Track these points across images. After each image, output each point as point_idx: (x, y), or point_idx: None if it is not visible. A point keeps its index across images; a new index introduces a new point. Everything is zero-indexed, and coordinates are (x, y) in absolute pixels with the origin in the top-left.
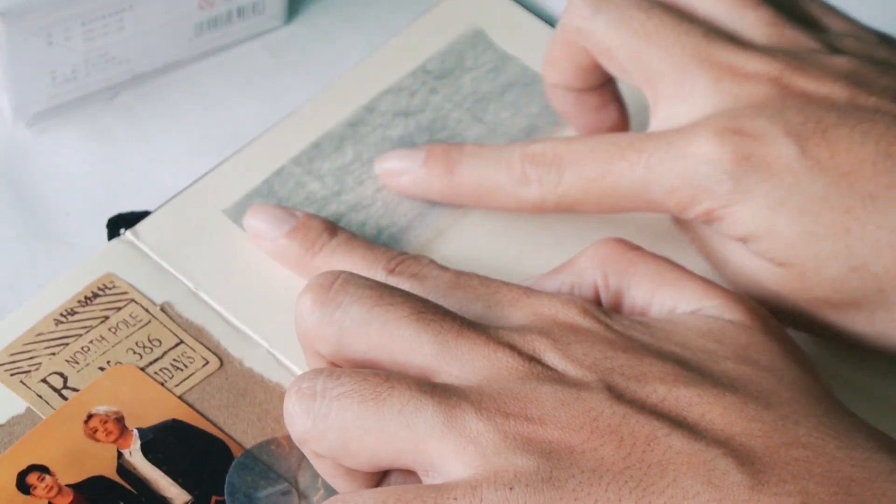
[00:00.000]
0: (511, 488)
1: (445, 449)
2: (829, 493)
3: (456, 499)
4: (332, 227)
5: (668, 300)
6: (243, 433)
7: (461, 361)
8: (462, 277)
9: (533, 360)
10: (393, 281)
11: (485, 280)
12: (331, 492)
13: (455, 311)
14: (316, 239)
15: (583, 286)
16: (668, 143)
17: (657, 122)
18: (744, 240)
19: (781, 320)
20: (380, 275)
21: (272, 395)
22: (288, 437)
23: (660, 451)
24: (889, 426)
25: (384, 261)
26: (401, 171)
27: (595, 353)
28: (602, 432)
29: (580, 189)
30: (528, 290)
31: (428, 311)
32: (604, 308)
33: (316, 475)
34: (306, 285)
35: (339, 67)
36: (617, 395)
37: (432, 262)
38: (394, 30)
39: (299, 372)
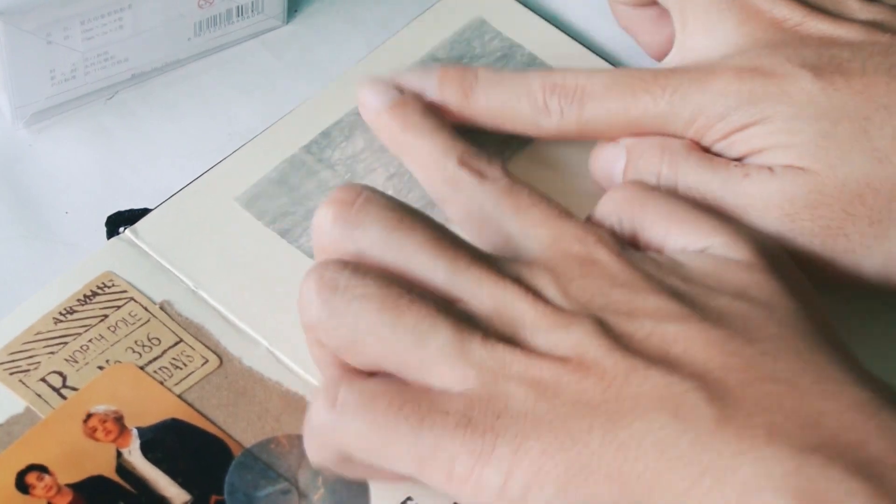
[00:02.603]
0: (498, 416)
1: (449, 370)
2: (796, 426)
3: (448, 413)
4: (427, 110)
5: (679, 238)
6: (243, 432)
7: (472, 290)
8: (515, 186)
9: (535, 294)
10: (457, 173)
11: (532, 193)
12: (332, 491)
13: (492, 223)
14: (408, 117)
15: (605, 228)
16: (690, 79)
17: (679, 50)
18: (760, 153)
19: (808, 263)
20: (451, 162)
21: (272, 393)
22: (288, 437)
23: (636, 385)
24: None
25: (460, 151)
26: (417, 91)
27: (593, 288)
28: (587, 366)
29: (603, 121)
30: (563, 213)
31: (445, 238)
32: (622, 242)
33: (316, 474)
34: (328, 197)
35: (339, 67)
36: (606, 329)
37: (501, 165)
38: (394, 29)
39: (299, 371)
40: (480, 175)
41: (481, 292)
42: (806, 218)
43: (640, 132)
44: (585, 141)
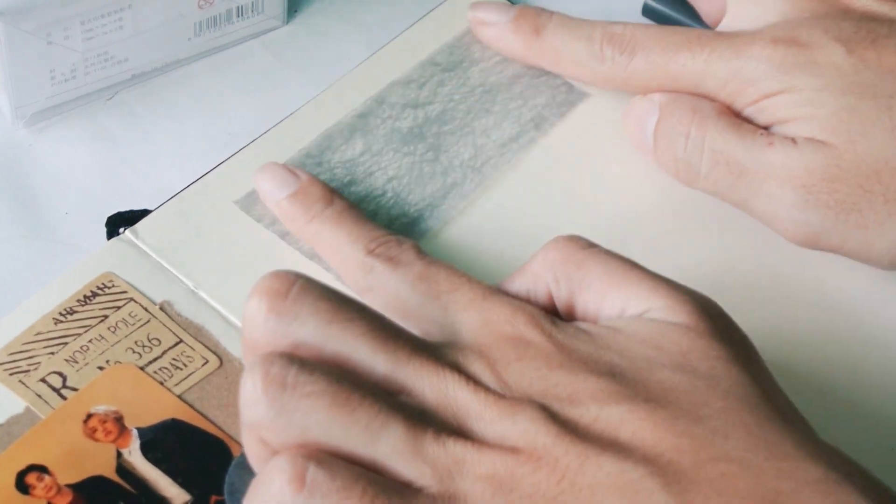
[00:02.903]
0: None
1: (405, 469)
2: None
3: None
4: (330, 196)
5: (616, 302)
6: None
7: (414, 383)
8: (431, 268)
9: (475, 381)
10: (368, 262)
11: (451, 275)
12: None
13: (415, 310)
14: (312, 205)
15: (538, 291)
16: (729, 42)
17: (729, 19)
18: (785, 122)
19: (819, 235)
20: (359, 253)
21: None
22: None
23: (590, 474)
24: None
25: (367, 240)
26: (490, 22)
27: (531, 372)
28: (538, 456)
29: (645, 72)
30: (486, 292)
31: (383, 328)
32: (551, 316)
33: None
34: (258, 286)
35: (339, 67)
36: (551, 416)
37: (413, 247)
38: (394, 30)
39: None
40: (392, 262)
41: (423, 385)
42: (823, 191)
43: (676, 88)
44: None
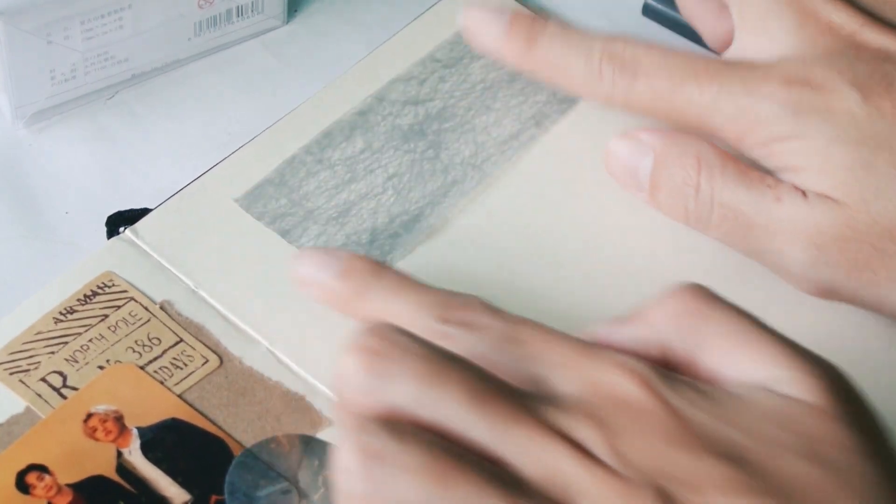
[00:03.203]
0: None
1: None
2: None
3: None
4: (378, 268)
5: (742, 365)
6: (243, 432)
7: (518, 453)
8: (516, 329)
9: (584, 453)
10: (443, 330)
11: (539, 331)
12: (332, 491)
13: (507, 373)
14: (363, 282)
15: (650, 342)
16: (740, 77)
17: (737, 48)
18: (796, 171)
19: (831, 290)
20: (431, 322)
21: (272, 393)
22: (288, 437)
23: None
24: None
25: (435, 307)
26: (483, 31)
27: (648, 448)
28: None
29: (648, 101)
30: (585, 349)
31: (485, 390)
32: (668, 375)
33: (317, 473)
34: (355, 343)
35: (340, 67)
36: (668, 502)
37: (483, 304)
38: (394, 29)
39: (299, 371)
40: (468, 326)
41: (528, 456)
42: (833, 250)
43: (680, 119)
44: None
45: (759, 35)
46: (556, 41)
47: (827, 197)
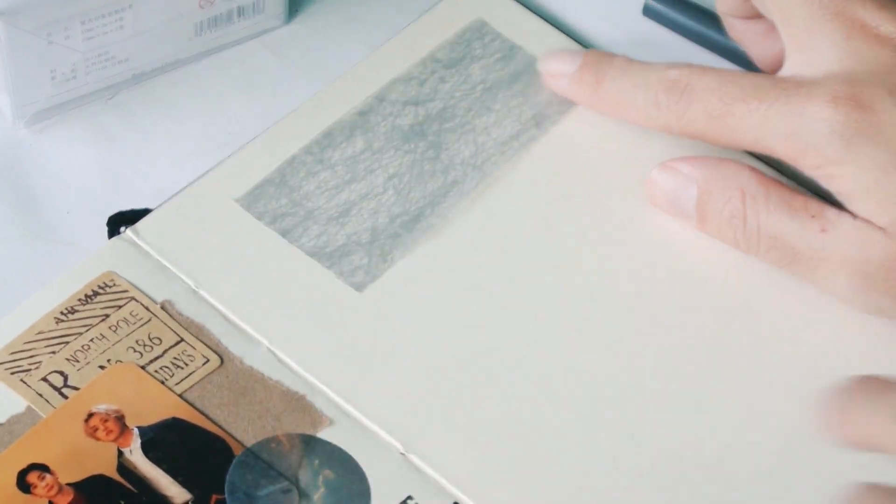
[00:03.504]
0: None
1: None
2: None
3: None
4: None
5: None
6: (244, 431)
7: None
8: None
9: None
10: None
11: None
12: (332, 490)
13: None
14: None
15: None
16: (787, 95)
17: (788, 66)
18: (848, 197)
19: (878, 312)
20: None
21: (273, 393)
22: (289, 436)
23: None
24: None
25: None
26: (558, 74)
27: None
28: None
29: (702, 124)
30: None
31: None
32: None
33: (318, 473)
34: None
35: (340, 67)
36: None
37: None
38: (394, 29)
39: (300, 370)
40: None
41: None
42: (879, 279)
43: (735, 140)
44: None
45: (807, 50)
46: (619, 78)
47: (873, 225)
